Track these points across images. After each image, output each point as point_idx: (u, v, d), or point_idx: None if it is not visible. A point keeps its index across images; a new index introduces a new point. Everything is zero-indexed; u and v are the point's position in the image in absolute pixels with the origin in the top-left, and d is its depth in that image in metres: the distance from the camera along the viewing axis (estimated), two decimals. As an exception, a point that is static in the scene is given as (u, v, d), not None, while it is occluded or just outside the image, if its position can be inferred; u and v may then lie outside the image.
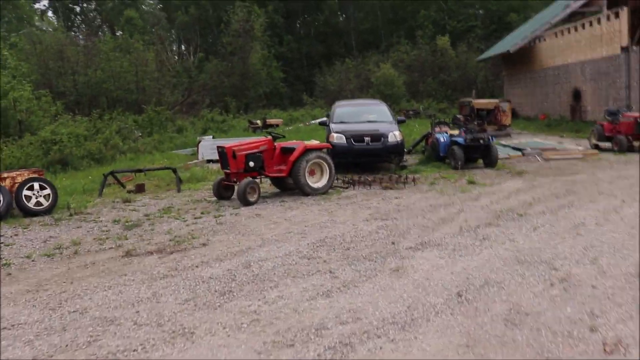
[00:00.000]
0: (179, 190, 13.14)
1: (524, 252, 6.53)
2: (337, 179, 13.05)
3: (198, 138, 27.23)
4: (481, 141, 14.50)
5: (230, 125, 32.86)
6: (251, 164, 11.04)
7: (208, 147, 20.02)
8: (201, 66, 49.92)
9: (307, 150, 11.27)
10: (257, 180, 11.60)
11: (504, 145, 18.67)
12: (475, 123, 18.12)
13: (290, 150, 11.44)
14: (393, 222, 8.49)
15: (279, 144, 11.92)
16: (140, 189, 13.36)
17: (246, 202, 10.62)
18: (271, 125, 31.71)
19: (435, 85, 45.54)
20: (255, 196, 10.82)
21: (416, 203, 10.01)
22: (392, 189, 11.70)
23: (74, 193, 13.32)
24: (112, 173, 13.74)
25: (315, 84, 49.86)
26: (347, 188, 11.94)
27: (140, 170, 13.89)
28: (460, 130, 15.40)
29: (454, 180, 12.50)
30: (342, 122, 15.52)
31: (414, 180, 12.16)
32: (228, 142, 12.07)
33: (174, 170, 13.67)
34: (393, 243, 7.15)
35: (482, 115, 24.26)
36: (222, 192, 11.42)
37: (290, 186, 11.78)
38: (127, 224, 9.59)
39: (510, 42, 33.99)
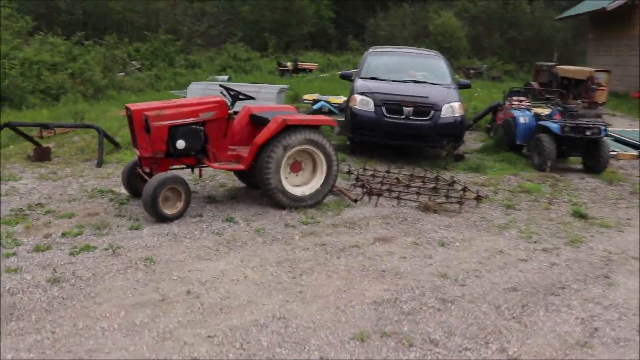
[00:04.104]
0: (99, 164, 8.27)
1: None
2: (349, 172, 7.94)
3: (209, 77, 22.42)
4: (588, 132, 9.05)
5: (254, 65, 27.60)
6: (180, 143, 5.96)
7: (199, 92, 14.76)
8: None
9: (288, 128, 6.11)
10: (190, 175, 6.64)
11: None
12: (581, 103, 12.51)
13: (264, 122, 6.32)
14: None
15: (247, 109, 6.81)
16: (42, 156, 8.54)
17: (158, 216, 5.65)
18: (304, 70, 26.48)
19: (502, 43, 39.02)
20: (180, 205, 5.81)
21: (482, 272, 4.79)
22: (436, 211, 6.49)
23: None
24: (8, 125, 8.84)
25: (366, 29, 43.86)
26: (356, 201, 6.75)
27: (45, 126, 8.96)
28: (554, 109, 9.92)
29: (546, 203, 7.18)
30: (373, 79, 10.16)
31: (477, 197, 6.88)
32: (148, 102, 7.04)
33: (98, 130, 8.70)
34: None
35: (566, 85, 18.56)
36: (138, 183, 6.44)
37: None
38: None
39: (603, -2, 27.46)
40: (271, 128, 6.07)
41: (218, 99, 6.22)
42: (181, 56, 25.05)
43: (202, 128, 6.11)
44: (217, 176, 7.72)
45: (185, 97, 14.53)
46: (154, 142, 5.85)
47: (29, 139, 9.00)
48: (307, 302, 4.03)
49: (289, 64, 27.16)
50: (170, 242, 5.18)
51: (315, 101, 14.70)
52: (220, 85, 6.62)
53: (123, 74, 20.72)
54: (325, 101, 14.60)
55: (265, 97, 14.00)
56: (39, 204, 6.31)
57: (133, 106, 5.94)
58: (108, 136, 9.06)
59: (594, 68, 19.32)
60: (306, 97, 15.67)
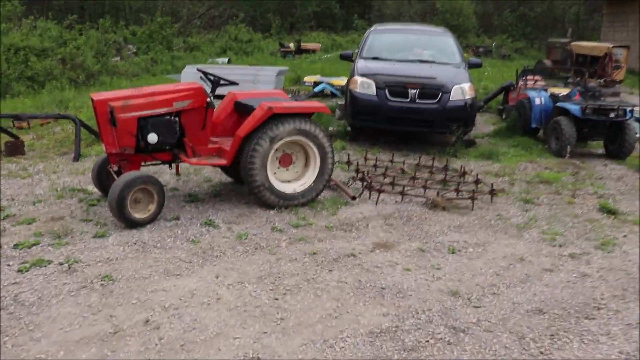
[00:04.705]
0: (76, 158, 7.57)
1: None
2: (349, 163, 7.21)
3: (209, 60, 21.64)
4: (611, 115, 8.25)
5: (256, 46, 26.76)
6: (152, 137, 5.22)
7: (194, 76, 13.92)
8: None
9: (275, 117, 5.35)
10: (161, 173, 5.92)
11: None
12: (602, 82, 11.67)
13: (249, 110, 5.57)
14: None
15: (232, 95, 6.06)
16: (14, 150, 7.83)
17: (126, 221, 4.94)
18: (307, 51, 25.65)
19: (513, 20, 37.79)
20: (152, 207, 5.09)
21: (500, 287, 4.06)
22: (445, 209, 5.74)
23: None
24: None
25: (372, 7, 42.72)
26: (355, 198, 6.00)
27: (17, 117, 8.23)
28: (573, 89, 9.09)
29: (569, 196, 6.40)
30: (375, 59, 9.37)
31: (492, 192, 6.11)
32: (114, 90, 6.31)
33: (75, 121, 7.98)
34: None
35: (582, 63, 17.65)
36: (109, 181, 5.72)
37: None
38: None
39: (621, -31, 26.34)
40: (256, 117, 5.32)
41: (194, 85, 5.47)
42: (179, 39, 24.26)
43: (176, 119, 5.37)
44: (203, 170, 6.99)
45: (180, 81, 13.77)
46: (121, 137, 5.12)
47: (4, 131, 8.29)
48: (288, 334, 3.31)
49: (291, 44, 26.33)
50: (137, 253, 4.47)
51: (317, 83, 13.93)
52: (199, 70, 5.85)
53: (118, 58, 19.96)
54: (327, 83, 13.83)
55: (263, 80, 13.21)
56: (-4, 208, 5.61)
57: (96, 96, 5.21)
58: (87, 127, 8.33)
59: (612, 44, 18.32)
60: (307, 79, 14.89)
